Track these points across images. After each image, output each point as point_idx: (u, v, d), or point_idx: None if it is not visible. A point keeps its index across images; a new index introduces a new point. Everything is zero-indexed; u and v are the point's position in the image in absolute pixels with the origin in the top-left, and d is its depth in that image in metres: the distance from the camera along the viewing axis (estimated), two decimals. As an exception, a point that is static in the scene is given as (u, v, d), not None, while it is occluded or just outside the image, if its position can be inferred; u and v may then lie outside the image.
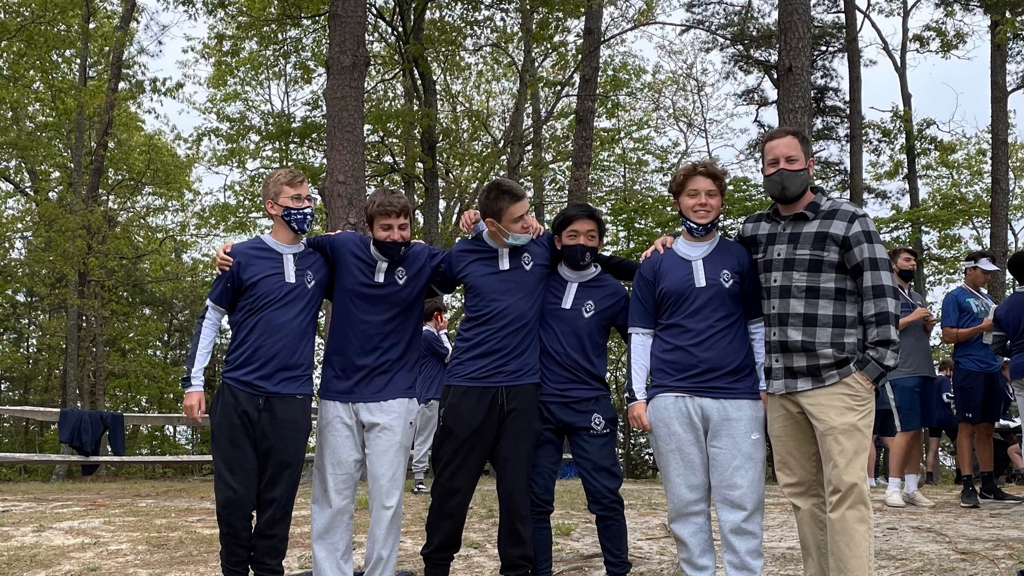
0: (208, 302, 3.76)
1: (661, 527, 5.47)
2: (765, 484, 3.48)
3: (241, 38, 19.85)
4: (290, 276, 3.70)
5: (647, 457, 23.53)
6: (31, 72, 19.58)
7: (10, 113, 21.63)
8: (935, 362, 8.14)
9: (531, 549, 3.68)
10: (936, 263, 24.72)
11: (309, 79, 20.56)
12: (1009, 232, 21.97)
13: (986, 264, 6.92)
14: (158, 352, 27.35)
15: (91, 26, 20.14)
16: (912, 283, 7.02)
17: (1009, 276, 8.48)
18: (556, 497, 3.89)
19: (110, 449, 9.87)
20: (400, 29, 17.97)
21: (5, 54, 18.63)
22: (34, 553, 4.79)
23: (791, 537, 4.97)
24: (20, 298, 25.43)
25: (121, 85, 20.66)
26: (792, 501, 3.43)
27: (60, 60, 20.69)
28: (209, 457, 8.91)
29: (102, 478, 13.43)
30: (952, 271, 24.47)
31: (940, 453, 15.76)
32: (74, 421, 9.32)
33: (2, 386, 27.37)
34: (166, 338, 27.87)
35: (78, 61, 21.19)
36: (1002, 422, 9.00)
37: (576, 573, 4.38)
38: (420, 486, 7.90)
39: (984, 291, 7.05)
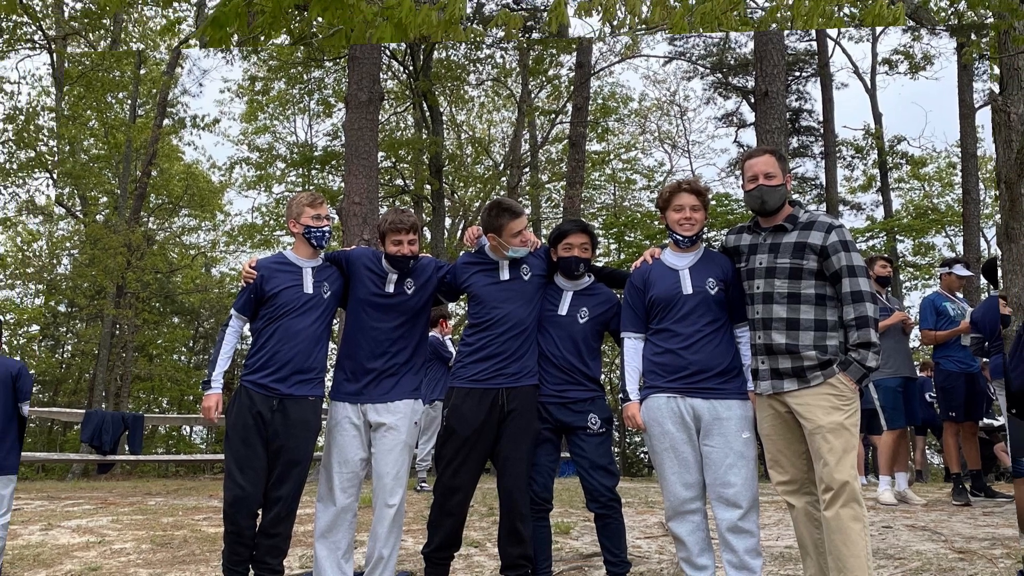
0: (232, 311, 3.74)
1: (659, 525, 5.27)
2: (759, 482, 3.34)
3: (271, 79, 20.62)
4: (308, 287, 3.68)
5: (642, 455, 23.24)
6: (88, 112, 19.82)
7: (68, 147, 21.79)
8: (916, 363, 7.86)
9: (531, 548, 3.56)
10: (911, 269, 24.34)
11: (330, 113, 21.01)
12: (981, 239, 21.61)
13: (960, 270, 6.72)
14: (182, 357, 27.07)
15: (142, 72, 20.63)
16: (889, 288, 6.80)
17: (984, 281, 8.26)
18: (555, 495, 3.76)
19: (127, 448, 9.56)
20: (411, 67, 18.34)
21: (67, 97, 19.02)
22: (38, 552, 4.57)
23: (788, 535, 4.74)
24: (61, 308, 25.30)
25: (165, 122, 20.97)
26: (786, 499, 3.30)
27: (114, 101, 20.95)
28: (220, 456, 8.66)
29: (116, 476, 12.79)
30: (927, 276, 24.11)
31: (927, 451, 15.24)
32: (96, 421, 8.98)
33: (33, 389, 26.87)
34: (191, 344, 27.63)
35: (129, 102, 21.58)
36: (987, 421, 8.59)
37: (576, 573, 4.18)
38: (423, 484, 7.75)
39: (960, 295, 6.83)
